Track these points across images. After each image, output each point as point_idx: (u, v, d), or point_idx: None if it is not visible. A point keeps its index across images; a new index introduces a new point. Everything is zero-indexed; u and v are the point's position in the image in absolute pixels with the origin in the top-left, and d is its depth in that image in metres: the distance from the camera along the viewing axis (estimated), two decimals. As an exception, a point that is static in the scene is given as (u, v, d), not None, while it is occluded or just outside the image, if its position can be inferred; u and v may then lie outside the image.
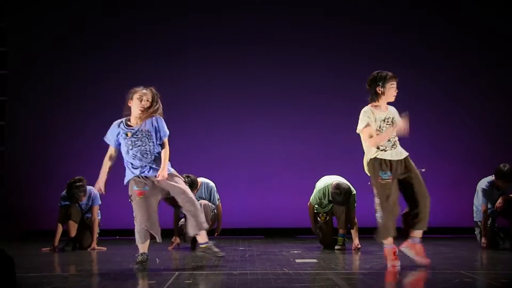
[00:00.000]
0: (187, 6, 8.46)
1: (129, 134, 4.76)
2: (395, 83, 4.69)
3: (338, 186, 6.04)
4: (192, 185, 6.28)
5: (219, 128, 8.25)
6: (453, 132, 8.23)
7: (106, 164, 4.84)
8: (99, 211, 6.65)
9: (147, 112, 4.74)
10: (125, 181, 4.82)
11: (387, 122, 4.69)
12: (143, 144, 4.73)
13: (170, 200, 4.96)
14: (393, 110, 4.80)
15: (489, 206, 6.18)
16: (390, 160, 4.65)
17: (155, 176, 4.71)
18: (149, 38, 8.39)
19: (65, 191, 6.46)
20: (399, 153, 4.71)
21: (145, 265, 4.69)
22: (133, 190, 4.75)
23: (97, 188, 4.81)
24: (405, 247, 4.74)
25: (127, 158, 4.79)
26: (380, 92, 4.68)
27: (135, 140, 4.74)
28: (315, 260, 5.23)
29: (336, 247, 6.15)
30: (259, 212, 8.17)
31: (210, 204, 6.33)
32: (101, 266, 5.13)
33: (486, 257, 5.57)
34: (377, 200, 4.67)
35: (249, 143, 8.26)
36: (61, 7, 8.42)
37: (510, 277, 4.20)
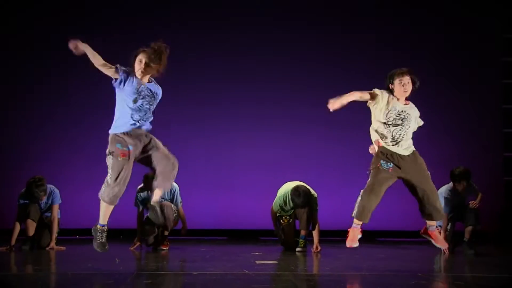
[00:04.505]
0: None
1: (141, 85, 4.53)
2: (403, 79, 4.61)
3: (296, 188, 6.10)
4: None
5: (184, 129, 8.20)
6: (420, 135, 8.28)
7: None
8: (59, 210, 6.54)
9: (147, 72, 4.54)
10: (112, 131, 4.53)
11: (400, 115, 4.60)
12: (149, 100, 4.58)
13: (143, 160, 4.67)
14: (412, 108, 4.70)
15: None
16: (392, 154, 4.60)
17: (146, 130, 4.56)
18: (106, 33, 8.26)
19: (24, 189, 6.34)
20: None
21: (104, 237, 4.51)
22: (116, 147, 4.47)
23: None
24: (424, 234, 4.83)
25: (131, 107, 4.50)
26: (391, 88, 4.65)
27: (145, 94, 4.57)
28: (275, 262, 5.25)
29: (297, 249, 6.18)
30: (223, 214, 8.16)
31: (172, 205, 6.31)
32: (59, 266, 5.05)
33: (443, 260, 5.67)
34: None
35: (214, 145, 8.24)
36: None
37: (465, 279, 4.29)
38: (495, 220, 8.00)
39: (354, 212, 4.61)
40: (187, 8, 8.38)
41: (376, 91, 4.64)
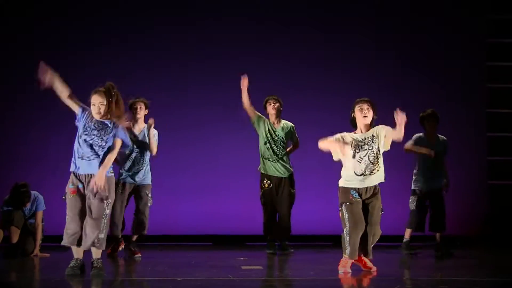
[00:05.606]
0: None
1: (91, 122, 4.59)
2: (362, 105, 4.80)
3: None
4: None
5: (167, 132, 8.13)
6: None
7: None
8: (43, 216, 6.49)
9: (110, 115, 4.57)
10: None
11: (364, 142, 4.78)
12: (98, 135, 4.58)
13: None
14: (376, 129, 4.84)
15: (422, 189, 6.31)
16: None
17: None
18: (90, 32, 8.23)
19: (8, 195, 6.29)
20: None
21: (76, 271, 4.47)
22: (68, 188, 4.54)
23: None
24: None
25: (76, 144, 4.59)
26: (353, 117, 4.87)
27: (93, 129, 4.58)
28: (260, 267, 5.24)
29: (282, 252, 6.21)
30: (208, 219, 8.11)
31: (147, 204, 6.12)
32: (43, 273, 5.02)
33: (427, 265, 5.69)
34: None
35: (198, 148, 8.20)
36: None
37: (449, 283, 4.32)
38: (479, 223, 8.05)
39: (347, 252, 4.64)
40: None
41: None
